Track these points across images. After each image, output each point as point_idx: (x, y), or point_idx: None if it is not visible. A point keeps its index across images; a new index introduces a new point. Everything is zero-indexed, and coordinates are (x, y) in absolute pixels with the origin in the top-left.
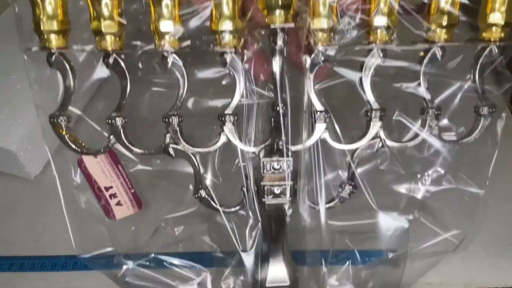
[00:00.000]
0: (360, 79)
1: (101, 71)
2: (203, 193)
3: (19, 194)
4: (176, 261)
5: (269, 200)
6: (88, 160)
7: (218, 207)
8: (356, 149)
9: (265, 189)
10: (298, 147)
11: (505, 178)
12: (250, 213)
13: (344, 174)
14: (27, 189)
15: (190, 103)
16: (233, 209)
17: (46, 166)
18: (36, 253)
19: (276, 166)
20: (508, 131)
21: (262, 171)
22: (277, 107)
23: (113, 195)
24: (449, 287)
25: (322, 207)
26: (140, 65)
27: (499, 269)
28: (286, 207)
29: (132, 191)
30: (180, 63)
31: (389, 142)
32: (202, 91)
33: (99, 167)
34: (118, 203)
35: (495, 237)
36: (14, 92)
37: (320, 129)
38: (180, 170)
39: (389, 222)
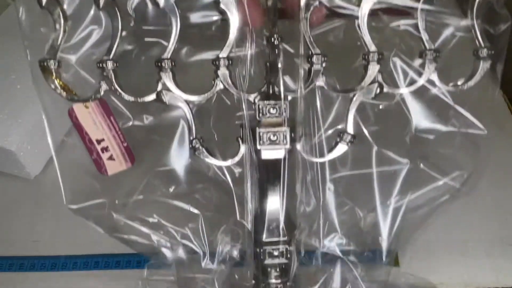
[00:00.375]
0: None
1: (94, 18)
2: (196, 143)
3: (19, 194)
4: (167, 200)
5: (265, 147)
6: (79, 110)
7: (218, 159)
8: (354, 95)
9: (261, 135)
10: (295, 93)
11: (505, 178)
12: (246, 165)
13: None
14: (27, 189)
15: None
16: (229, 161)
17: (46, 166)
18: (36, 253)
19: (272, 111)
20: (508, 131)
21: (257, 115)
22: (272, 39)
23: (105, 149)
24: (449, 287)
25: (321, 159)
26: (132, 14)
27: (499, 269)
28: (283, 155)
29: (125, 145)
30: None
31: (387, 88)
32: (196, 44)
33: (90, 118)
34: (110, 158)
35: (495, 237)
36: (14, 92)
37: (317, 73)
38: (174, 124)
39: (387, 169)
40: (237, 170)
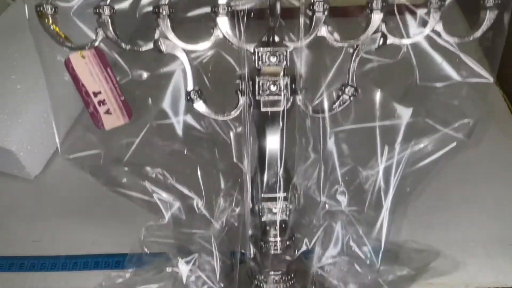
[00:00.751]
0: None
1: None
2: (194, 95)
3: (19, 194)
4: (163, 152)
5: (264, 97)
6: (75, 60)
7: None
8: (357, 46)
9: (261, 84)
10: (296, 43)
11: (505, 178)
12: (245, 118)
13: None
14: (27, 189)
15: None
16: (228, 115)
17: (46, 166)
18: (36, 253)
19: (272, 59)
20: (508, 131)
21: (257, 64)
22: None
23: (101, 102)
24: (449, 287)
25: (322, 113)
26: None
27: (499, 269)
28: (283, 105)
29: (122, 98)
30: None
31: (391, 38)
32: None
33: (87, 69)
34: (107, 112)
35: (495, 237)
36: (14, 92)
37: (319, 21)
38: (172, 79)
39: (390, 123)
40: (236, 128)
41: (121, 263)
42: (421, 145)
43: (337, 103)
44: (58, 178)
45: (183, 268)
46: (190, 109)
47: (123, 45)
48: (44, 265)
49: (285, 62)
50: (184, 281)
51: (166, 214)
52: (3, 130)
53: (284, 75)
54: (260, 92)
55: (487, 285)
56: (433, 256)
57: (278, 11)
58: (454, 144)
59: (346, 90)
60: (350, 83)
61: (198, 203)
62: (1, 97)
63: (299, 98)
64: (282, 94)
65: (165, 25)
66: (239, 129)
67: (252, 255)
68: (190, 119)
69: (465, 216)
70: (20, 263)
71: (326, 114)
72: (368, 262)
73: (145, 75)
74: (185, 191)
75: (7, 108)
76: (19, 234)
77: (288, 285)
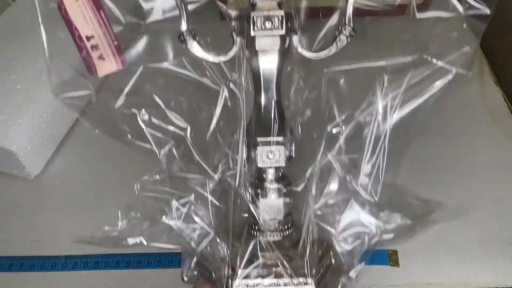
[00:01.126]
0: None
1: None
2: (187, 35)
3: (19, 194)
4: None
5: (260, 33)
6: (68, 2)
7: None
8: None
9: (255, 19)
10: None
11: (505, 179)
12: (241, 59)
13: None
14: (27, 189)
15: None
16: (227, 55)
17: (46, 166)
18: (36, 253)
19: None
20: (508, 131)
21: None
22: None
23: (95, 47)
24: (449, 287)
25: (318, 54)
26: None
27: (499, 269)
28: (278, 42)
29: (116, 43)
30: None
31: None
32: None
33: (80, 12)
34: (101, 57)
35: (495, 237)
36: (14, 92)
37: None
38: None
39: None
40: (232, 76)
41: (121, 263)
42: (418, 79)
43: (334, 44)
44: (58, 178)
45: (177, 212)
46: (184, 53)
47: None
48: (44, 265)
49: None
50: (179, 226)
51: (158, 152)
52: (3, 130)
53: (279, 9)
54: (255, 28)
55: (487, 285)
56: (435, 205)
57: None
58: (451, 76)
59: (344, 30)
60: (347, 22)
61: (191, 134)
62: (1, 97)
63: (295, 37)
64: (278, 29)
65: None
66: (235, 76)
67: (247, 202)
68: (184, 66)
69: (465, 216)
70: (20, 263)
71: (323, 54)
72: (366, 195)
73: (139, 23)
74: (179, 122)
75: (7, 108)
76: (19, 234)
77: (284, 234)
